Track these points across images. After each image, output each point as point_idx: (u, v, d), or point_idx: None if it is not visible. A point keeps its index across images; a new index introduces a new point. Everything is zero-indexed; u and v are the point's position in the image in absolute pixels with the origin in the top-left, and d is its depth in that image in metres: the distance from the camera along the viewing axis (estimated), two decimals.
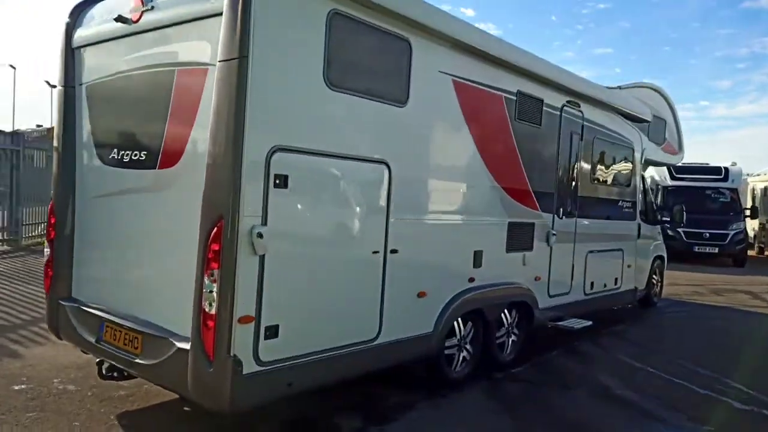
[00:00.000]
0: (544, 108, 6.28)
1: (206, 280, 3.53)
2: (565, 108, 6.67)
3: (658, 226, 10.23)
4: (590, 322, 7.03)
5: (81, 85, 4.83)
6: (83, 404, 4.66)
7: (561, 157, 6.69)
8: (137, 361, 4.04)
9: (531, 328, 6.46)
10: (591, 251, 7.48)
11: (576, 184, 7.06)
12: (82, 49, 4.82)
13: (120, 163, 4.44)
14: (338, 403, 4.89)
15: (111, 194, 4.55)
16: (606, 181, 7.88)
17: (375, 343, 4.49)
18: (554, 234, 6.58)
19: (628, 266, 8.62)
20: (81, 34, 4.81)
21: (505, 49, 5.61)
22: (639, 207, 8.89)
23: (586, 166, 7.29)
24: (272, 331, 3.72)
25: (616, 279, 8.29)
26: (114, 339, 4.28)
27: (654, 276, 10.16)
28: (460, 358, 5.54)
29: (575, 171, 7.03)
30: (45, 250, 5.04)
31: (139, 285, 4.33)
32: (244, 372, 3.57)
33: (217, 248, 3.50)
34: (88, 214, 4.76)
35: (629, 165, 8.44)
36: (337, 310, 4.19)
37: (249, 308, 3.59)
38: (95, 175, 4.69)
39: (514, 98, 5.81)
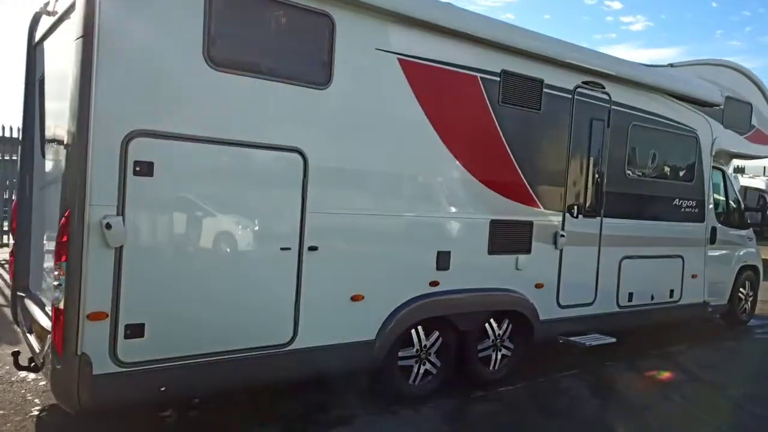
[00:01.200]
0: (546, 90, 5.46)
1: (56, 273, 3.36)
2: (579, 90, 5.77)
3: (749, 231, 8.66)
4: (613, 339, 6.01)
5: (37, 80, 4.93)
6: (25, 394, 4.73)
7: (574, 146, 5.80)
8: (40, 355, 3.99)
9: (532, 341, 5.65)
10: (627, 257, 6.43)
11: (600, 179, 6.08)
12: (38, 46, 4.92)
13: (46, 155, 4.46)
14: (269, 412, 4.55)
15: (44, 186, 4.59)
16: (651, 176, 6.75)
17: (288, 348, 4.08)
18: (563, 235, 5.71)
19: (693, 276, 7.34)
20: (39, 31, 4.91)
21: (475, 22, 4.92)
22: (710, 207, 7.54)
23: (618, 158, 6.27)
24: (135, 330, 3.47)
25: (671, 290, 7.08)
26: (34, 332, 4.27)
27: (742, 289, 8.63)
28: (421, 371, 4.93)
29: (599, 163, 6.07)
30: (10, 241, 5.23)
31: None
32: (95, 372, 3.35)
33: (65, 239, 3.31)
34: (36, 206, 4.85)
35: (691, 157, 7.18)
36: (231, 310, 3.83)
37: (101, 304, 3.36)
38: (38, 167, 4.77)
39: (497, 79, 5.09)
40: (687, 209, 7.19)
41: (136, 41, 3.40)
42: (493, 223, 5.18)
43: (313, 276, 4.14)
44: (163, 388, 3.59)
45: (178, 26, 3.54)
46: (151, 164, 3.45)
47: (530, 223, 5.48)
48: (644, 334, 7.59)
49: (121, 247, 3.38)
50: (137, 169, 3.40)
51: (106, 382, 3.39)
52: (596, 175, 6.06)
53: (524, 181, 5.40)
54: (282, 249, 4.02)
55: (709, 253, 7.65)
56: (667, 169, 6.97)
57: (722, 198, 8.20)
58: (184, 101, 3.59)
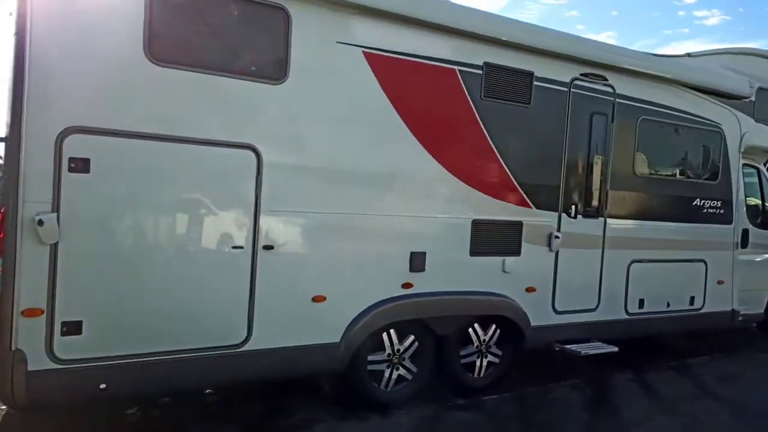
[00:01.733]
0: (536, 83, 5.17)
1: None
2: (577, 82, 5.43)
3: None
4: (614, 348, 5.61)
5: None
6: None
7: (572, 142, 5.45)
8: None
9: (523, 348, 5.35)
10: (637, 260, 6.02)
11: (603, 177, 5.70)
12: None
13: None
14: (233, 413, 4.49)
15: None
16: (665, 174, 6.30)
17: (242, 349, 3.99)
18: (558, 237, 5.38)
19: (719, 282, 6.81)
20: None
21: (449, 13, 4.69)
22: (740, 207, 6.98)
23: (625, 154, 5.86)
24: (72, 328, 3.46)
25: (692, 297, 6.58)
26: None
27: None
28: (394, 376, 4.75)
29: (601, 160, 5.68)
30: None
31: None
32: (31, 368, 3.36)
33: (0, 236, 3.34)
34: None
35: (715, 153, 6.66)
36: (177, 310, 3.78)
37: (36, 301, 3.37)
38: None
39: (479, 72, 4.85)
40: (710, 210, 6.67)
41: (71, 37, 3.39)
42: (475, 222, 4.93)
43: (268, 276, 4.04)
44: (103, 386, 3.56)
45: (117, 21, 3.51)
46: (87, 161, 3.43)
47: (519, 224, 5.19)
48: (666, 343, 7.15)
49: (56, 244, 3.38)
50: (72, 165, 3.39)
51: (42, 378, 3.39)
52: (598, 173, 5.68)
53: (512, 179, 5.12)
54: (233, 248, 3.93)
55: (740, 258, 7.07)
56: (685, 166, 6.49)
57: (757, 198, 7.59)
58: (124, 97, 3.55)
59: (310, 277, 4.25)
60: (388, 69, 4.44)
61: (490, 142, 4.97)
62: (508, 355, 5.33)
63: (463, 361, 5.10)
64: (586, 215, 5.63)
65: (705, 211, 6.62)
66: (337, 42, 4.24)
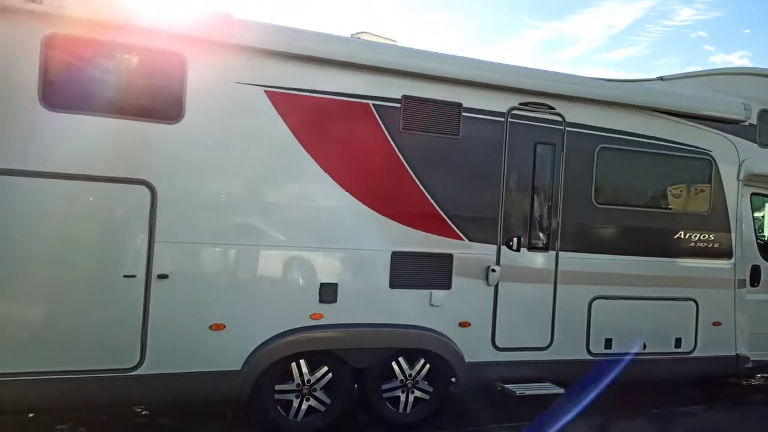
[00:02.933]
0: (465, 114, 5.11)
1: None
2: (515, 112, 5.29)
3: None
4: (560, 389, 5.27)
5: None
6: None
7: (511, 173, 5.29)
8: None
9: (457, 385, 5.18)
10: (601, 297, 5.67)
11: (553, 208, 5.47)
12: None
13: None
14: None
15: None
16: (634, 204, 5.89)
17: (134, 373, 4.22)
18: (494, 270, 5.21)
19: (715, 324, 6.22)
20: None
21: (359, 50, 4.80)
22: (745, 241, 6.37)
23: (581, 185, 5.58)
24: None
25: (678, 339, 6.06)
26: None
27: None
28: (304, 407, 4.77)
29: (550, 191, 5.47)
30: None
31: None
32: None
33: None
34: None
35: (704, 182, 6.15)
36: (69, 332, 4.08)
37: None
38: None
39: (397, 105, 4.88)
40: (700, 243, 6.14)
41: None
42: (395, 255, 4.90)
43: (162, 303, 4.26)
44: None
45: (13, 70, 3.93)
46: None
47: (448, 256, 5.09)
48: (661, 388, 6.54)
49: None
50: None
51: None
52: (546, 204, 5.46)
53: (439, 211, 5.05)
54: (125, 276, 4.20)
55: (749, 297, 6.43)
56: (662, 196, 6.05)
57: None
58: (17, 139, 3.95)
59: (208, 306, 4.42)
60: (292, 106, 4.59)
61: (412, 174, 4.95)
62: (440, 391, 5.18)
63: (386, 395, 5.02)
64: (532, 248, 5.41)
65: (692, 244, 6.11)
66: (237, 82, 4.46)
